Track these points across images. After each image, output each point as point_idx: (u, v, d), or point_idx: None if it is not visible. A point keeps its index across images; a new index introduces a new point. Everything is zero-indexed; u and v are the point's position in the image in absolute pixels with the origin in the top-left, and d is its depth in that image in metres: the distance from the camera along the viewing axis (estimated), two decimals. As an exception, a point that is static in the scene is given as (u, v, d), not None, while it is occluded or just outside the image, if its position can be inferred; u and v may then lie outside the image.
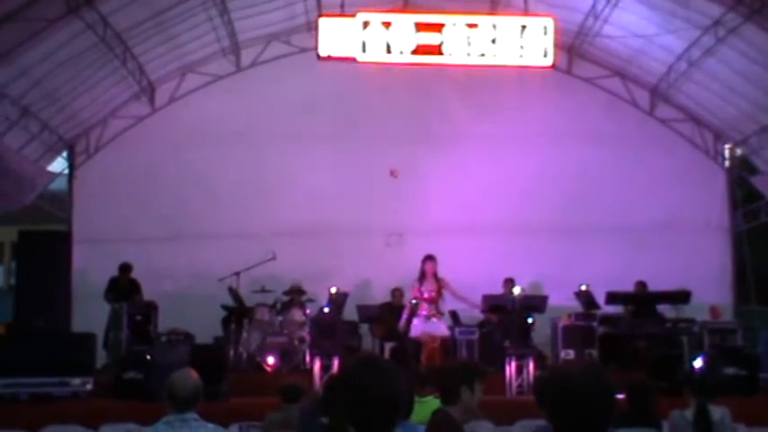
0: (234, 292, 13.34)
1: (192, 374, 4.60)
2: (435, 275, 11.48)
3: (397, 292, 13.66)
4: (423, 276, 11.53)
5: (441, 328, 11.53)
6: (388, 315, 13.03)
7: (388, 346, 12.69)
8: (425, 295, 11.40)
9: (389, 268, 14.30)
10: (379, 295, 14.05)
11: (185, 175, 15.09)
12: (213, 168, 15.13)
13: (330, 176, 15.16)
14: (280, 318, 13.06)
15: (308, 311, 13.08)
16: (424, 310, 11.42)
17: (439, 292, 11.44)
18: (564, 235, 15.20)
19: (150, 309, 12.65)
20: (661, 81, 15.57)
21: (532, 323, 12.88)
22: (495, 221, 15.11)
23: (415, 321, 11.44)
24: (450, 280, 11.61)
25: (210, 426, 4.50)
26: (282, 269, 13.82)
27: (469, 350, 12.79)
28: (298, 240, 14.57)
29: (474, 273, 13.84)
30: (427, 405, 7.37)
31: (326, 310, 12.73)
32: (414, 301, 12.48)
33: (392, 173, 15.13)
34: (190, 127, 15.12)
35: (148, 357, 10.67)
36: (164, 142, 15.09)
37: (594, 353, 12.12)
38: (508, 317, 12.56)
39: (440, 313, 11.50)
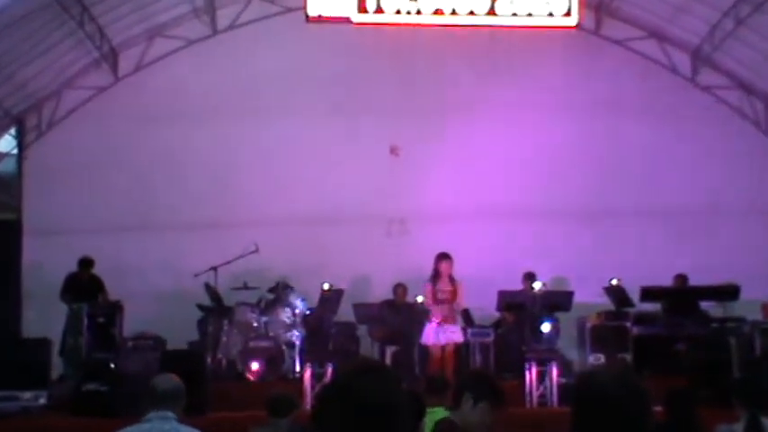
0: (211, 290, 13.38)
1: (175, 377, 5.20)
2: (451, 277, 11.72)
3: (399, 289, 13.70)
4: (437, 276, 11.74)
5: (455, 334, 11.77)
6: (389, 315, 13.10)
7: (390, 350, 12.83)
8: (440, 296, 11.62)
9: (391, 261, 14.40)
10: (379, 292, 14.12)
11: (154, 154, 15.12)
12: (186, 147, 15.14)
13: (321, 156, 15.21)
14: (264, 319, 13.10)
15: (296, 311, 13.15)
16: (438, 314, 11.63)
17: (454, 294, 11.69)
18: (592, 221, 15.26)
19: (115, 310, 12.67)
20: (704, 42, 15.51)
21: (556, 323, 12.93)
22: (511, 206, 15.13)
23: (427, 328, 11.62)
24: (463, 279, 11.82)
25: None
26: (267, 263, 13.85)
27: (483, 354, 12.94)
28: (284, 230, 14.63)
29: (488, 265, 14.05)
30: (433, 417, 7.47)
31: (307, 312, 12.87)
32: (420, 299, 12.62)
33: (393, 150, 15.19)
34: (158, 99, 15.13)
35: (112, 366, 10.70)
36: (128, 117, 15.10)
37: (628, 357, 12.26)
38: (528, 316, 12.60)
39: (454, 318, 11.77)
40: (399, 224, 15.29)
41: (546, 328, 12.23)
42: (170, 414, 5.01)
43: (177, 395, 5.12)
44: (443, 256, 11.68)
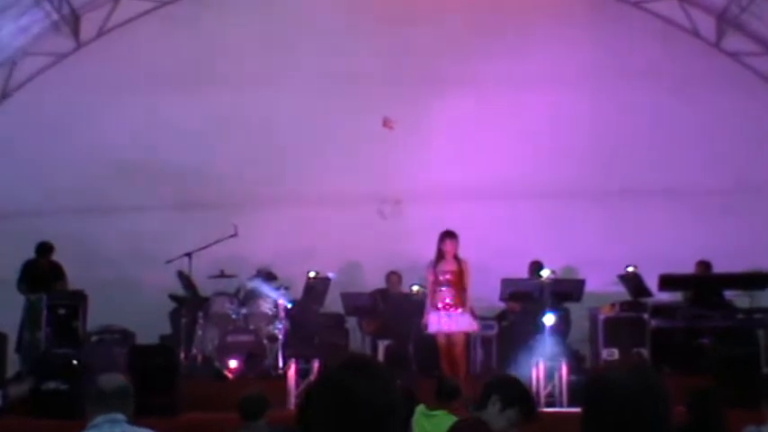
0: (185, 278, 13.39)
1: (120, 376, 5.28)
2: (456, 256, 11.56)
3: (393, 277, 13.77)
4: (440, 257, 11.59)
5: (464, 321, 11.52)
6: (382, 305, 13.15)
7: (383, 344, 12.87)
8: (441, 277, 11.45)
9: (384, 245, 14.46)
10: (371, 280, 14.18)
11: (119, 125, 15.10)
12: (156, 119, 15.13)
13: (306, 128, 15.17)
14: (244, 310, 13.10)
15: (279, 302, 13.11)
16: (442, 298, 11.46)
17: (460, 275, 11.49)
18: (606, 202, 15.23)
19: (77, 300, 12.63)
20: (731, 4, 15.41)
21: (566, 315, 12.99)
22: (518, 186, 15.14)
23: (432, 315, 11.50)
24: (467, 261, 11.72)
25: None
26: (247, 248, 13.88)
27: (485, 349, 13.21)
28: (265, 211, 14.69)
29: (491, 251, 13.97)
30: (437, 421, 7.49)
31: (289, 305, 12.87)
32: (416, 288, 12.56)
33: (386, 123, 15.02)
34: (124, 67, 15.12)
35: (75, 363, 10.66)
36: (91, 86, 15.08)
37: (645, 352, 12.31)
38: (534, 306, 12.56)
39: (462, 302, 11.49)
40: (393, 205, 15.28)
41: (549, 320, 12.08)
42: (120, 416, 5.02)
43: (125, 395, 5.12)
44: (448, 235, 11.58)
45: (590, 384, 2.96)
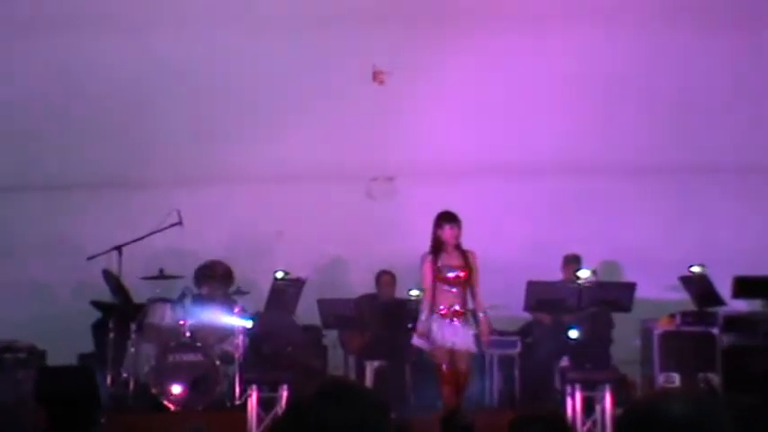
0: (113, 280, 13.32)
1: None
2: (460, 247, 11.43)
3: (385, 278, 13.79)
4: (438, 247, 11.44)
5: (465, 337, 11.39)
6: (370, 315, 13.17)
7: (372, 366, 12.91)
8: (448, 274, 11.35)
9: (373, 237, 14.57)
10: (357, 282, 14.29)
11: (36, 76, 15.04)
12: (83, 66, 15.00)
13: (275, 84, 15.13)
14: (190, 321, 12.96)
15: (236, 310, 13.07)
16: (449, 302, 11.38)
17: (469, 272, 11.40)
18: (662, 180, 15.14)
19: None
20: None
21: (607, 327, 13.01)
22: (546, 158, 15.02)
23: (433, 324, 11.36)
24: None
25: None
26: (194, 241, 13.97)
27: (504, 373, 13.25)
28: (219, 191, 14.78)
29: (511, 245, 14.16)
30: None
31: (249, 324, 12.84)
32: (415, 292, 12.54)
33: (376, 76, 15.11)
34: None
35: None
36: (3, 24, 15.00)
37: (715, 378, 12.47)
38: (570, 318, 12.73)
39: (464, 311, 11.44)
40: (385, 183, 15.34)
41: (575, 334, 12.36)
42: None
43: None
44: (447, 218, 11.44)
45: (639, 418, 2.96)
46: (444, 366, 11.27)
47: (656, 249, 14.31)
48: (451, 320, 11.26)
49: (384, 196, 15.29)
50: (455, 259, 11.37)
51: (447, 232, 11.34)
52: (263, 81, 15.19)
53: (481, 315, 11.43)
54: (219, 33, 15.11)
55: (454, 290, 11.33)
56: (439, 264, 11.35)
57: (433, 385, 11.80)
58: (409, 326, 12.05)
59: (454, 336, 11.25)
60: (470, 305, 11.46)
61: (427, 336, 11.28)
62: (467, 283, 11.36)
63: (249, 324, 12.98)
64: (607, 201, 15.12)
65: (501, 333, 13.08)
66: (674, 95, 15.31)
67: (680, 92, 15.35)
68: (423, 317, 11.33)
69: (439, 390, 11.44)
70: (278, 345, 13.12)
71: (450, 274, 11.33)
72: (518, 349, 13.18)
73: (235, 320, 12.96)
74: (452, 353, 11.27)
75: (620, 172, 15.11)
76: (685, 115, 15.34)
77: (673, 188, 15.22)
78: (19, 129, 15.04)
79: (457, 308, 11.28)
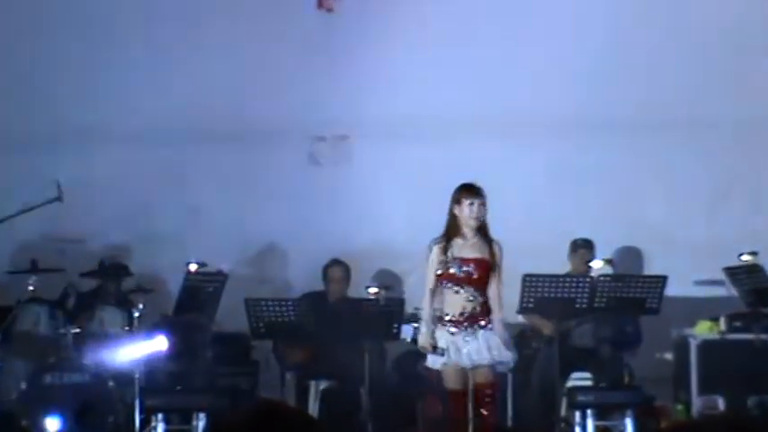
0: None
1: None
2: (485, 232, 11.23)
3: (335, 270, 13.88)
4: (453, 232, 11.21)
5: (500, 352, 11.24)
6: (315, 320, 13.09)
7: (317, 386, 13.23)
8: (459, 268, 11.16)
9: (318, 213, 14.81)
10: (298, 276, 14.76)
11: None
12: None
13: (188, 9, 15.44)
14: (74, 330, 13.04)
15: (136, 315, 13.08)
16: (459, 306, 11.23)
17: (488, 268, 11.20)
18: (697, 143, 15.28)
19: None
20: None
21: (628, 335, 13.09)
22: (544, 113, 15.22)
23: (438, 335, 11.25)
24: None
25: None
26: (79, 223, 14.27)
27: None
28: (114, 157, 14.97)
29: (499, 224, 13.52)
30: None
31: (163, 339, 12.72)
32: (374, 290, 12.50)
33: (323, 2, 15.25)
34: None
35: None
36: None
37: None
38: (579, 324, 13.11)
39: (486, 317, 11.22)
40: (335, 142, 15.44)
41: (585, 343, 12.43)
42: None
43: None
44: (465, 191, 11.23)
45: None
46: (455, 395, 11.16)
47: (691, 232, 14.59)
48: (468, 329, 11.08)
49: (334, 160, 15.35)
50: (474, 249, 11.17)
51: (466, 210, 11.09)
52: (171, 22, 15.49)
53: (498, 326, 11.26)
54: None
55: (464, 292, 11.14)
56: (449, 255, 11.09)
57: (400, 414, 12.43)
58: (407, 339, 12.01)
59: (474, 351, 11.08)
60: (495, 310, 11.29)
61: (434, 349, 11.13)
62: (483, 282, 11.17)
63: (160, 341, 12.94)
64: (626, 169, 15.31)
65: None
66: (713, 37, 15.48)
67: (715, 28, 15.52)
68: (422, 328, 11.24)
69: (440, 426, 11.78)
70: (192, 360, 13.08)
71: (459, 270, 11.09)
72: (510, 365, 12.62)
73: (134, 328, 12.97)
74: (476, 373, 11.14)
75: (644, 131, 15.29)
76: (717, 67, 15.51)
77: (714, 154, 15.32)
78: None
79: (471, 311, 11.08)
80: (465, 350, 10.93)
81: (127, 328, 13.03)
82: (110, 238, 14.28)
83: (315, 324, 13.00)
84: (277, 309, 13.19)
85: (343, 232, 14.22)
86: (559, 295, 12.79)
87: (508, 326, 13.12)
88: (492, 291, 11.11)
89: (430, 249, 11.19)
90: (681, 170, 15.22)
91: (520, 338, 13.41)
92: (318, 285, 13.89)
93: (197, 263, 13.36)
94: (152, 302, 13.35)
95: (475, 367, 10.98)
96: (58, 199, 13.46)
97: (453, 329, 10.96)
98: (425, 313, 11.17)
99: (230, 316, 13.52)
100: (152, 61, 15.38)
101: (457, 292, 11.05)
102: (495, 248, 11.15)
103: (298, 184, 15.13)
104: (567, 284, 12.91)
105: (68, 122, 15.08)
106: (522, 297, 12.67)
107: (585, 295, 12.67)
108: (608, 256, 13.53)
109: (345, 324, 12.97)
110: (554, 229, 14.26)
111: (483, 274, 11.05)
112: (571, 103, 15.16)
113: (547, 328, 13.34)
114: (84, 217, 14.27)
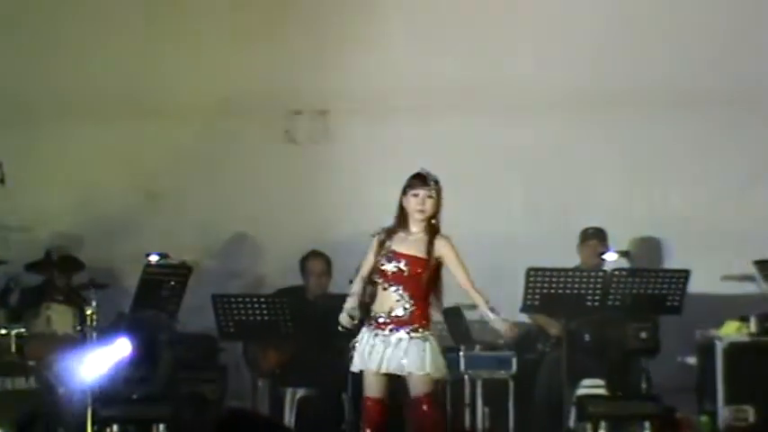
0: None
1: None
2: (433, 227, 10.89)
3: (315, 263, 13.83)
4: (399, 223, 10.99)
5: (421, 364, 10.94)
6: (292, 320, 13.02)
7: (295, 394, 13.26)
8: (387, 265, 10.83)
9: (295, 198, 14.96)
10: (272, 269, 14.88)
11: None
12: None
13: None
14: (16, 329, 12.85)
15: (88, 313, 12.76)
16: (386, 305, 10.86)
17: (422, 269, 10.83)
18: (725, 119, 15.22)
19: None
20: None
21: (645, 337, 13.00)
22: (549, 86, 15.22)
23: (363, 334, 10.92)
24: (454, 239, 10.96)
25: None
26: (24, 206, 14.55)
27: (494, 405, 13.41)
28: (59, 132, 15.10)
29: (499, 210, 14.68)
30: None
31: (126, 343, 12.37)
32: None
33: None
34: None
35: None
36: None
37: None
38: (590, 324, 13.05)
39: (424, 319, 10.95)
40: (314, 119, 15.36)
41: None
42: None
43: None
44: (411, 181, 10.95)
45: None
46: (370, 402, 10.95)
47: (718, 221, 14.51)
48: (388, 333, 10.82)
49: (312, 138, 15.28)
50: (410, 246, 10.88)
51: (412, 201, 10.87)
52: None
53: (491, 315, 10.77)
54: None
55: (392, 289, 10.85)
56: (386, 246, 10.92)
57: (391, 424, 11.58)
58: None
59: (387, 358, 10.82)
60: (434, 314, 11.14)
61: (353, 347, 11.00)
62: (416, 283, 10.82)
63: (122, 345, 12.55)
64: (643, 150, 15.31)
65: (487, 347, 13.26)
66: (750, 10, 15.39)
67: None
68: (347, 303, 11.02)
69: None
70: (151, 364, 13.05)
71: (389, 266, 10.85)
72: (512, 370, 13.15)
73: (86, 329, 12.74)
74: (392, 381, 10.90)
75: (663, 106, 15.29)
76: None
77: (747, 134, 15.26)
78: None
79: (394, 314, 10.81)
80: (378, 356, 10.73)
81: (78, 328, 12.82)
82: (58, 225, 14.32)
83: (291, 324, 12.93)
84: (248, 306, 13.18)
85: (323, 220, 14.33)
86: (568, 292, 12.78)
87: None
88: (462, 282, 10.77)
89: (375, 236, 11.02)
90: (707, 151, 15.13)
91: (523, 340, 13.35)
92: (295, 280, 13.80)
93: (157, 254, 13.37)
94: (106, 299, 13.14)
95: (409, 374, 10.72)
96: (0, 181, 13.29)
97: (377, 331, 10.80)
98: (355, 288, 11.01)
99: (195, 314, 13.54)
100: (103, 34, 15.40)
101: (385, 288, 10.81)
102: (439, 244, 10.80)
103: (271, 165, 15.17)
104: (576, 279, 12.85)
105: (9, 98, 15.11)
106: (527, 294, 12.59)
107: (598, 292, 12.66)
108: (623, 248, 13.51)
109: (326, 323, 12.12)
110: (560, 218, 14.42)
111: (416, 274, 10.76)
112: (580, 74, 15.19)
113: (554, 328, 13.39)
114: (30, 201, 14.30)
